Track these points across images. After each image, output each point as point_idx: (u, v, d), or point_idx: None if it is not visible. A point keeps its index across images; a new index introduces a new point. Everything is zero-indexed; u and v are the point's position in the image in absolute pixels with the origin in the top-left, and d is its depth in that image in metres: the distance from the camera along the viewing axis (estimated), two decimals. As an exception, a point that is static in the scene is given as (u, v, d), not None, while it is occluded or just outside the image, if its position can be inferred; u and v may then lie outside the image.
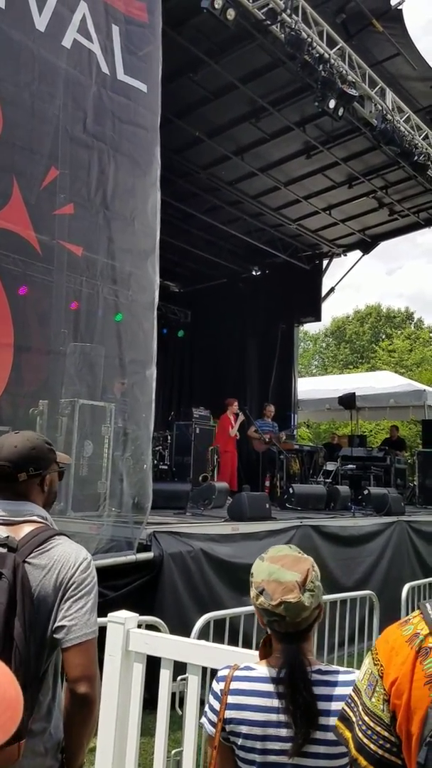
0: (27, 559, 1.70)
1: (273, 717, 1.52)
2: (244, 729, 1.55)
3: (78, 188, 4.77)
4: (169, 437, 11.03)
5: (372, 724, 1.22)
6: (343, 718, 1.30)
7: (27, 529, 1.78)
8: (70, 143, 4.68)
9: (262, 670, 1.59)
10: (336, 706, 1.46)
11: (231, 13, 6.55)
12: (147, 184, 5.13)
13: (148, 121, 5.15)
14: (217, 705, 1.60)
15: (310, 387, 17.09)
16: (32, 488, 1.86)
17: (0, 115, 4.23)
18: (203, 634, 3.67)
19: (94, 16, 4.89)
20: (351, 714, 1.28)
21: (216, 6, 6.39)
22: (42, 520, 1.82)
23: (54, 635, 1.69)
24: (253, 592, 1.59)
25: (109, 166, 4.94)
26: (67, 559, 1.74)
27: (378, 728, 1.21)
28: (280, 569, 1.57)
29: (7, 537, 1.72)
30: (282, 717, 1.51)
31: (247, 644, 3.78)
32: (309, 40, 7.28)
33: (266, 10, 6.99)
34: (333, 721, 1.43)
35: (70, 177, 4.71)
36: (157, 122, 5.18)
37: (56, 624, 1.69)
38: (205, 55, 8.18)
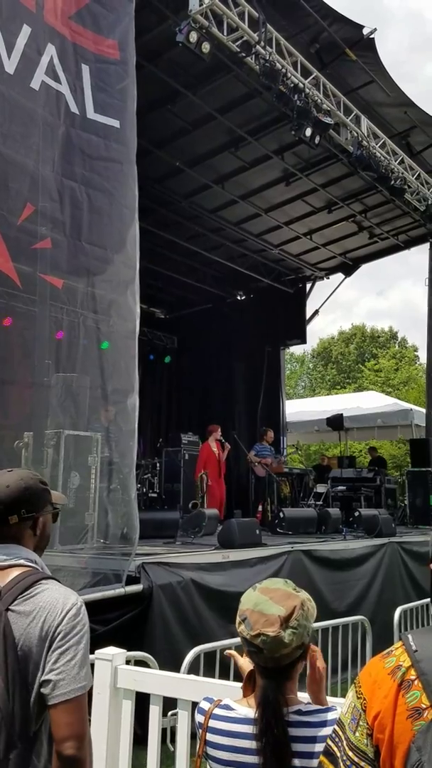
0: (10, 607, 1.59)
1: (249, 759, 1.49)
2: None
3: (54, 223, 4.83)
4: (158, 464, 10.97)
5: (356, 759, 1.20)
6: (328, 753, 1.29)
7: (13, 574, 1.67)
8: (42, 181, 4.75)
9: (242, 710, 1.57)
10: (320, 748, 1.43)
11: (206, 47, 6.69)
12: (124, 215, 5.20)
13: (122, 155, 5.23)
14: (199, 734, 1.60)
15: (297, 409, 17.12)
16: (24, 531, 1.75)
17: None
18: (193, 668, 3.61)
19: (63, 57, 4.99)
20: (335, 749, 1.27)
21: (191, 40, 6.52)
22: (30, 564, 1.72)
23: (41, 690, 1.57)
24: (237, 619, 1.58)
25: (82, 201, 5.00)
26: (54, 605, 1.62)
27: (362, 763, 1.19)
28: (268, 601, 1.55)
29: None
30: (259, 759, 1.48)
31: (238, 677, 3.72)
32: (283, 70, 7.43)
33: (240, 42, 7.14)
34: (312, 764, 1.41)
35: (45, 213, 4.76)
36: (132, 155, 5.26)
37: (43, 677, 1.57)
38: (182, 87, 8.33)
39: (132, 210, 5.15)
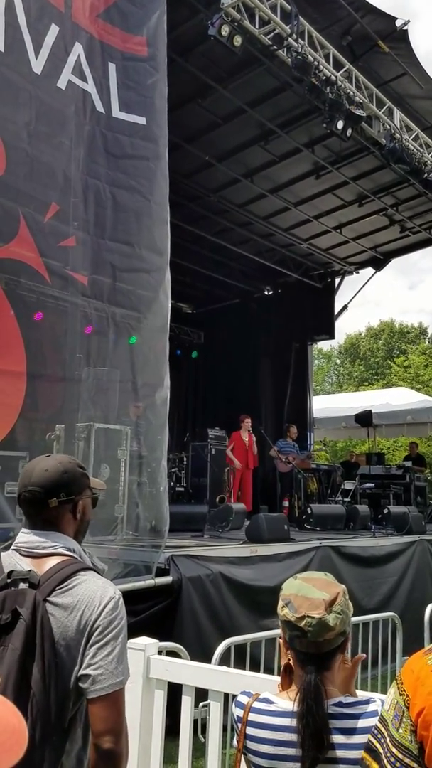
0: (49, 598, 1.58)
1: (290, 751, 1.48)
2: (260, 761, 1.53)
3: (78, 221, 4.86)
4: (185, 458, 11.01)
5: (400, 756, 1.19)
6: (370, 749, 1.28)
7: (52, 562, 1.66)
8: (67, 180, 4.78)
9: (282, 703, 1.56)
10: (358, 739, 1.42)
11: (238, 40, 6.66)
12: (153, 211, 5.20)
13: (149, 151, 5.23)
14: (238, 728, 1.59)
15: (325, 405, 17.02)
16: (63, 515, 1.74)
17: (3, 154, 4.35)
18: (224, 660, 3.62)
19: (90, 56, 5.00)
20: (378, 745, 1.26)
21: (223, 33, 6.50)
22: (69, 553, 1.70)
23: (79, 684, 1.57)
24: (279, 604, 1.58)
25: (106, 199, 5.01)
26: (92, 598, 1.60)
27: (407, 760, 1.18)
28: (311, 587, 1.57)
29: (29, 571, 1.62)
30: (299, 751, 1.47)
31: (268, 670, 3.73)
32: (315, 63, 7.36)
33: (272, 35, 7.09)
34: (352, 755, 1.40)
35: (70, 211, 4.80)
36: (161, 151, 5.25)
37: (81, 672, 1.56)
38: (213, 81, 8.30)
39: (162, 206, 5.15)
